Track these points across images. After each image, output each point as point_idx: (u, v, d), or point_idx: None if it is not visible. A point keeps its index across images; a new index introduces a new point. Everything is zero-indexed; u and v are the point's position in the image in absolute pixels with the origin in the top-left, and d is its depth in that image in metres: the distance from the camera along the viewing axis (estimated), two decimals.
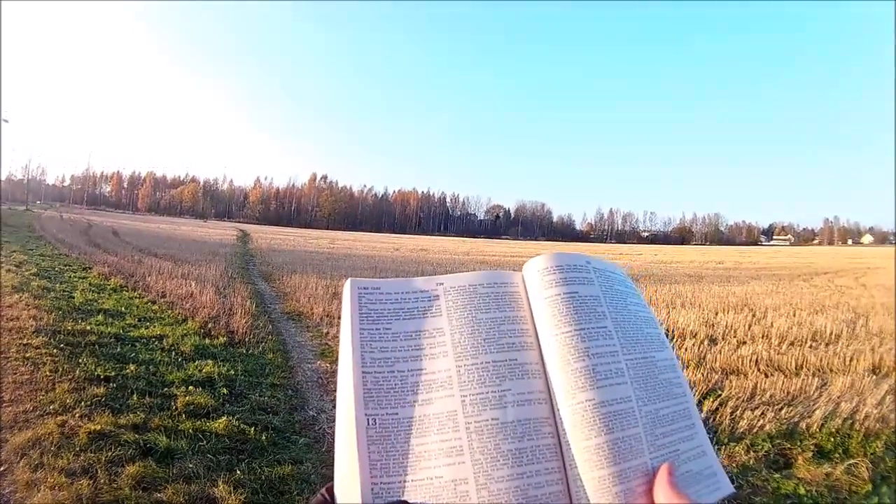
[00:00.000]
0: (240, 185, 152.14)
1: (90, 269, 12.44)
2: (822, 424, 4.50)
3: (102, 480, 3.10)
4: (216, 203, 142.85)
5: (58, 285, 9.68)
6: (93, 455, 3.38)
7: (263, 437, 3.92)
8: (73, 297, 8.63)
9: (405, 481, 0.52)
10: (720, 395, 5.14)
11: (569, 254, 0.65)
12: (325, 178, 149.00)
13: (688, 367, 6.13)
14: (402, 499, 0.52)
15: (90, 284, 10.27)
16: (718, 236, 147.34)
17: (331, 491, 0.54)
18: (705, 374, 5.77)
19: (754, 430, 4.36)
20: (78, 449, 3.46)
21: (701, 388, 5.33)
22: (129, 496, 2.95)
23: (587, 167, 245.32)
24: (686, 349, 6.89)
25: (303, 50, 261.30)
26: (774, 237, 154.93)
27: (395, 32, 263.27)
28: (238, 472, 3.34)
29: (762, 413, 4.69)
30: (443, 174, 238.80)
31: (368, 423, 0.54)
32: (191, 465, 3.36)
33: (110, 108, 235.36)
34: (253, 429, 4.05)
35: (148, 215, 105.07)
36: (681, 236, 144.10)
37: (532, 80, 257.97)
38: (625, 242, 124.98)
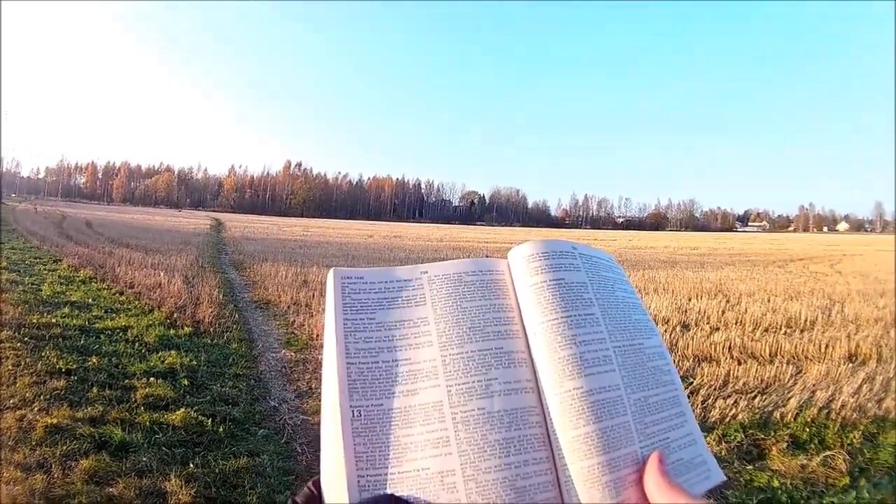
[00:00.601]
0: (214, 173, 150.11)
1: (60, 261, 12.20)
2: (797, 414, 4.37)
3: (56, 475, 3.10)
4: (191, 192, 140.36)
5: (27, 278, 9.49)
6: (48, 449, 3.37)
7: (221, 429, 3.94)
8: (41, 290, 8.49)
9: (392, 473, 0.51)
10: (692, 383, 5.04)
11: (555, 240, 0.63)
12: (299, 165, 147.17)
13: None
14: (389, 492, 0.50)
15: (59, 277, 10.09)
16: (693, 222, 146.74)
17: (317, 484, 0.53)
18: (677, 361, 5.66)
19: (726, 420, 4.24)
20: (34, 443, 3.45)
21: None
22: (81, 490, 2.96)
23: (561, 153, 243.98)
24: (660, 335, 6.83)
25: (270, 37, 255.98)
26: (749, 223, 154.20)
27: (360, 15, 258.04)
28: (192, 465, 3.36)
29: (735, 402, 4.56)
30: (417, 160, 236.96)
31: (353, 415, 0.53)
32: (144, 459, 3.36)
33: (84, 100, 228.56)
34: (211, 420, 4.06)
35: (123, 206, 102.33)
36: (656, 222, 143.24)
37: (506, 64, 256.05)
38: (600, 228, 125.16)
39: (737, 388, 5.02)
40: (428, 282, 0.61)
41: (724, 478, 0.59)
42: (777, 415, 4.38)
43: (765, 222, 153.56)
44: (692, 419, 0.60)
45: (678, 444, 0.57)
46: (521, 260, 0.61)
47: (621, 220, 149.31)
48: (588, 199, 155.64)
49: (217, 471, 3.34)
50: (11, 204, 54.49)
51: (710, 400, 4.63)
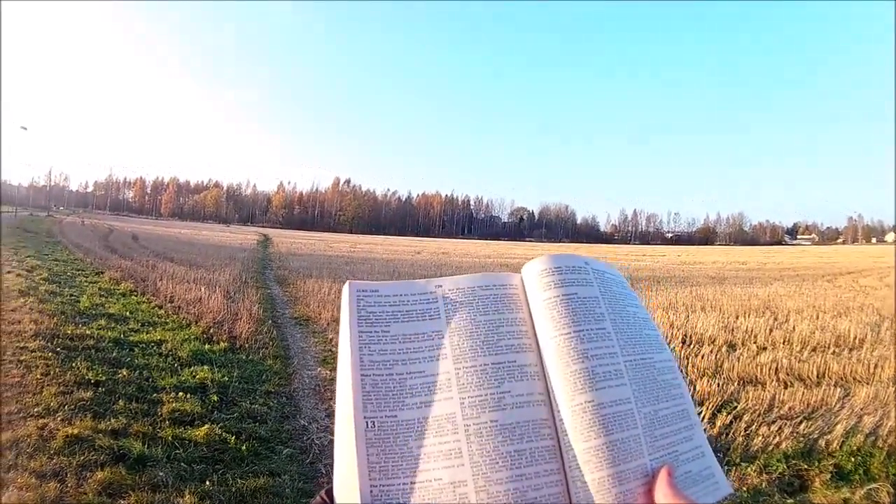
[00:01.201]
0: (263, 189, 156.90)
1: (102, 273, 12.87)
2: (843, 441, 4.32)
3: (70, 484, 3.21)
4: (239, 208, 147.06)
5: (66, 290, 10.03)
6: (66, 459, 3.50)
7: (244, 447, 3.99)
8: (80, 302, 8.93)
9: (404, 483, 0.54)
10: (735, 408, 5.01)
11: (567, 255, 0.67)
12: (348, 182, 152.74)
13: (703, 376, 6.00)
14: (401, 502, 0.53)
15: (100, 289, 10.62)
16: (742, 236, 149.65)
17: (330, 494, 0.57)
18: (721, 385, 5.64)
19: (769, 448, 4.21)
20: (53, 452, 3.58)
21: (715, 400, 5.16)
22: (92, 501, 3.05)
23: (610, 168, 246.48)
24: (703, 356, 6.81)
25: (322, 57, 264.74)
26: (798, 236, 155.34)
27: (410, 32, 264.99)
28: (208, 483, 3.41)
29: (779, 428, 4.53)
30: (466, 177, 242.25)
31: (367, 426, 0.55)
32: (161, 474, 3.43)
33: (133, 117, 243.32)
34: (235, 438, 4.12)
35: (171, 220, 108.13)
36: (705, 237, 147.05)
37: (551, 82, 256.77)
38: (649, 243, 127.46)
39: (782, 413, 4.99)
40: (442, 296, 0.65)
41: (732, 490, 0.62)
42: (822, 442, 4.32)
43: (813, 235, 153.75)
44: (701, 432, 0.64)
45: (687, 457, 0.61)
46: (535, 274, 0.66)
47: (670, 234, 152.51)
48: (637, 214, 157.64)
49: (234, 489, 3.37)
50: (59, 216, 58.34)
51: (753, 427, 4.58)
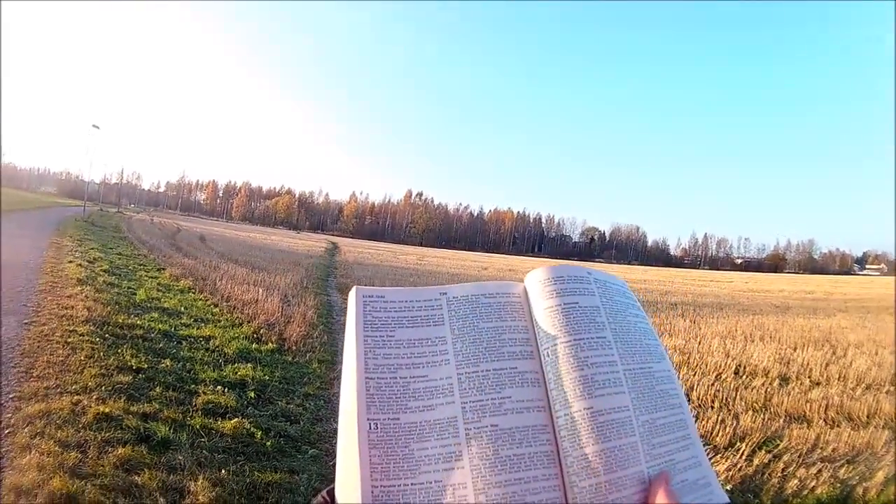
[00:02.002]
0: (335, 198, 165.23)
1: (164, 269, 13.77)
2: (881, 490, 4.26)
3: (91, 456, 3.54)
4: (311, 215, 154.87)
5: (125, 282, 10.84)
6: (92, 433, 3.86)
7: (269, 444, 4.23)
8: (136, 294, 9.63)
9: (405, 485, 0.58)
10: (777, 446, 5.00)
11: (570, 265, 0.74)
12: (420, 194, 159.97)
13: (749, 410, 6.02)
14: (402, 502, 0.58)
15: (158, 284, 11.39)
16: (811, 264, 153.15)
17: (332, 493, 0.63)
18: (766, 421, 5.66)
19: (804, 493, 4.16)
20: (81, 426, 3.96)
21: (757, 437, 5.10)
22: (107, 473, 3.35)
23: (683, 190, 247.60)
24: (753, 389, 6.91)
25: (400, 71, 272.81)
26: (867, 266, 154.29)
27: (491, 54, 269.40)
28: (224, 471, 3.65)
29: (818, 471, 4.48)
30: (539, 194, 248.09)
31: (370, 428, 0.60)
32: (181, 458, 3.71)
33: (209, 121, 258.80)
34: (263, 433, 4.37)
35: (241, 224, 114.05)
36: (774, 264, 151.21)
37: (624, 103, 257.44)
38: (718, 269, 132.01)
39: (824, 454, 4.96)
40: (447, 302, 0.70)
41: (727, 499, 0.66)
42: (860, 490, 4.29)
43: (882, 265, 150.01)
44: (697, 442, 0.68)
45: (683, 466, 0.65)
46: (537, 283, 0.71)
47: (740, 260, 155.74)
48: (707, 239, 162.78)
49: (248, 481, 3.59)
50: (128, 213, 62.63)
51: (791, 468, 4.55)
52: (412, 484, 0.58)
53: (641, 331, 0.72)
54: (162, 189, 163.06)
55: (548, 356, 0.66)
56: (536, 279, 0.71)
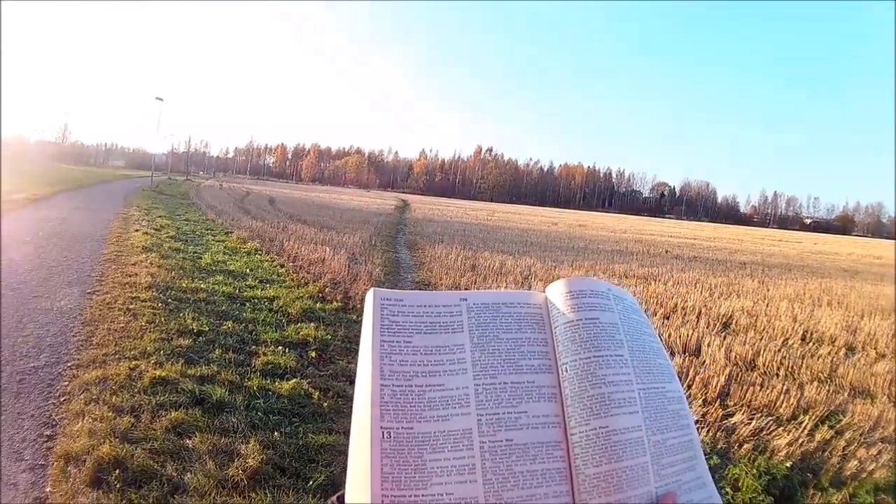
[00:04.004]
0: (405, 156, 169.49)
1: (231, 233, 14.21)
2: None
3: (143, 420, 3.65)
4: (381, 174, 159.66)
5: (191, 247, 11.24)
6: (146, 397, 3.99)
7: (326, 404, 4.28)
8: (202, 259, 9.97)
9: (416, 496, 0.59)
10: (840, 421, 4.88)
11: (591, 279, 0.75)
12: (490, 150, 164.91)
13: (814, 380, 5.91)
14: None
15: (225, 247, 11.80)
16: (880, 228, 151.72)
17: (342, 499, 0.64)
18: (830, 393, 5.54)
19: (863, 476, 3.99)
20: (136, 391, 4.10)
21: (820, 411, 4.97)
22: (157, 437, 3.45)
23: (754, 146, 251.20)
24: (819, 358, 6.78)
25: (471, 27, 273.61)
26: None
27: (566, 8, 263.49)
28: (277, 433, 3.72)
29: (878, 453, 4.29)
30: (609, 149, 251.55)
31: (383, 436, 0.61)
32: (234, 420, 3.80)
33: (275, 85, 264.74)
34: (320, 394, 4.43)
35: (310, 185, 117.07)
36: (842, 226, 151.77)
37: (696, 58, 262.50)
38: (787, 228, 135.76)
39: (885, 434, 4.80)
40: (467, 309, 0.71)
41: None
42: None
43: None
44: (703, 463, 0.71)
45: (689, 486, 0.68)
46: (559, 296, 0.73)
47: (809, 220, 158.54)
48: (777, 197, 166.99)
49: (301, 443, 3.64)
50: (197, 180, 65.09)
51: (852, 446, 4.38)
52: (423, 495, 0.59)
53: (654, 350, 0.74)
54: (231, 155, 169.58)
55: (566, 371, 0.68)
56: (558, 291, 0.73)
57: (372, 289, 0.70)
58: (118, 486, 2.98)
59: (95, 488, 2.97)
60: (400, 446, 0.60)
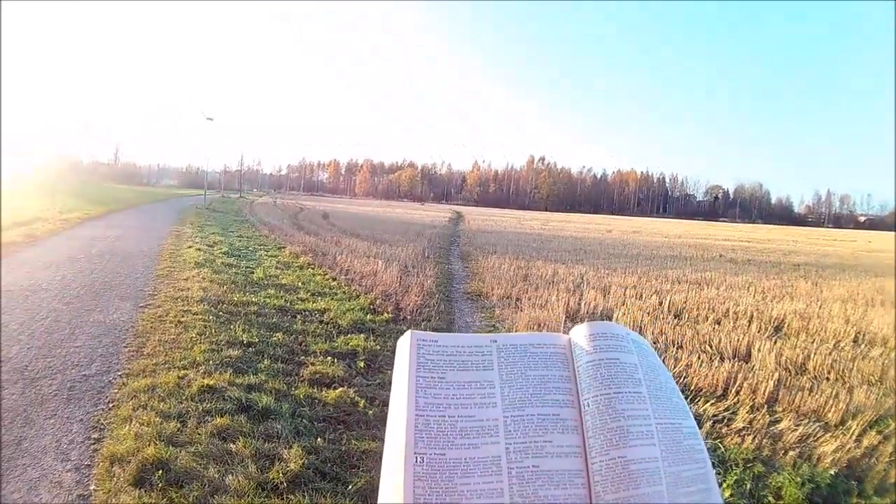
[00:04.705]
0: (458, 168, 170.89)
1: (284, 248, 14.50)
2: None
3: (189, 425, 3.78)
4: (434, 187, 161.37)
5: (243, 262, 11.52)
6: (194, 404, 4.12)
7: (371, 412, 4.33)
8: (254, 273, 10.19)
9: None
10: (888, 426, 4.80)
11: (611, 324, 0.81)
12: (542, 159, 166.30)
13: (864, 384, 5.85)
14: None
15: (278, 262, 12.02)
16: None
17: None
18: (879, 397, 5.44)
19: None
20: (184, 398, 4.24)
21: (869, 416, 4.83)
22: (202, 441, 3.56)
23: (807, 144, 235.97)
24: (870, 360, 6.73)
25: (516, 35, 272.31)
26: None
27: (613, 14, 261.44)
28: (320, 439, 3.79)
29: None
30: (662, 154, 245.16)
31: (416, 461, 0.65)
32: (279, 426, 3.88)
33: (325, 104, 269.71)
34: (366, 402, 4.48)
35: (365, 199, 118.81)
36: None
37: (744, 56, 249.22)
38: (841, 227, 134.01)
39: None
40: (497, 350, 0.77)
41: None
42: None
43: None
44: (718, 494, 0.75)
45: None
46: (582, 338, 0.79)
47: (863, 218, 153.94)
48: (830, 195, 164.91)
49: (343, 448, 3.70)
50: (250, 197, 66.75)
51: None
52: None
53: (670, 389, 0.80)
54: (284, 172, 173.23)
55: (588, 406, 0.73)
56: (581, 334, 0.79)
57: (409, 331, 0.75)
58: (160, 485, 3.10)
59: (138, 487, 3.10)
60: (432, 470, 0.64)
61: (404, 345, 0.74)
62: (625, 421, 0.71)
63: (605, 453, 0.69)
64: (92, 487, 3.14)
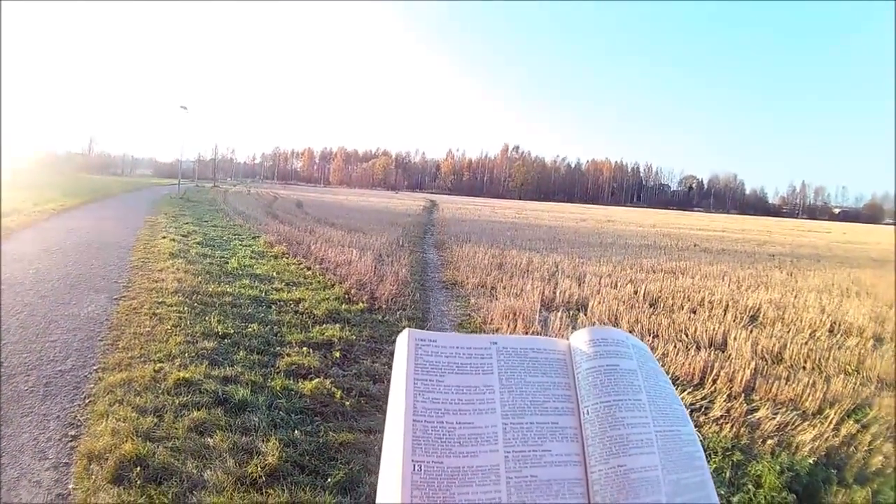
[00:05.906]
0: (432, 157, 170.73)
1: (258, 238, 14.37)
2: None
3: (166, 420, 3.77)
4: (408, 175, 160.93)
5: (217, 252, 11.43)
6: (170, 398, 4.11)
7: (348, 403, 4.35)
8: (228, 264, 10.14)
9: None
10: (865, 416, 4.88)
11: (611, 329, 0.81)
12: (516, 148, 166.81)
13: (840, 373, 5.98)
14: None
15: (252, 252, 11.94)
16: None
17: None
18: (856, 386, 5.55)
19: (888, 471, 4.01)
20: (160, 392, 4.23)
21: (846, 404, 4.94)
22: (179, 436, 3.56)
23: (781, 136, 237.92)
24: (846, 349, 6.84)
25: (490, 22, 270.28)
26: None
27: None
28: (297, 431, 3.80)
29: None
30: (636, 143, 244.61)
31: (414, 469, 0.64)
32: (255, 419, 3.88)
33: (298, 92, 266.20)
34: (343, 393, 4.50)
35: (338, 188, 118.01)
36: (872, 214, 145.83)
37: (721, 45, 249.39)
38: (816, 218, 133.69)
39: None
40: (496, 353, 0.76)
41: None
42: None
43: None
44: (716, 500, 0.74)
45: None
46: (582, 343, 0.78)
47: (838, 210, 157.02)
48: (805, 187, 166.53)
49: (321, 441, 3.72)
50: (224, 186, 65.90)
51: (878, 441, 4.40)
52: None
53: (670, 395, 0.79)
54: (258, 160, 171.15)
55: (588, 414, 0.72)
56: (581, 339, 0.78)
57: (407, 329, 0.73)
58: (139, 482, 3.09)
59: (116, 485, 3.09)
60: (430, 479, 0.63)
61: (402, 344, 0.73)
62: (624, 429, 0.71)
63: (605, 462, 0.69)
64: (71, 486, 3.13)
